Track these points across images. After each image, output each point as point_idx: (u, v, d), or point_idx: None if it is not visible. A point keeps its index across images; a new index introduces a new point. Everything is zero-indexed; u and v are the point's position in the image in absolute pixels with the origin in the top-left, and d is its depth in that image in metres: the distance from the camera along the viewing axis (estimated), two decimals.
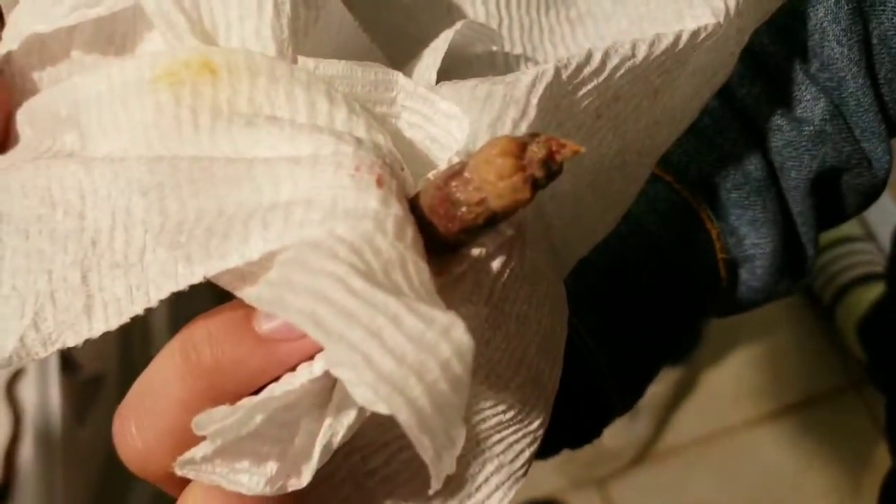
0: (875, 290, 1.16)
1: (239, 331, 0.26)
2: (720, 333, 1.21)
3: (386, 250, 0.23)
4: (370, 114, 0.30)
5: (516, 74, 0.31)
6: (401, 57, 0.40)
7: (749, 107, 0.43)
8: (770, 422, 1.19)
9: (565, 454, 0.46)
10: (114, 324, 0.26)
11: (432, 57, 0.36)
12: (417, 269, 0.24)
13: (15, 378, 0.80)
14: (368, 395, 0.21)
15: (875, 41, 0.42)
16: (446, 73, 0.41)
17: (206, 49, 0.29)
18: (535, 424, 0.32)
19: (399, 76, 0.31)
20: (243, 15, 0.30)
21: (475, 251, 0.27)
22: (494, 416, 0.31)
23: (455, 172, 0.25)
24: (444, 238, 0.26)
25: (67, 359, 0.83)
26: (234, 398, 0.26)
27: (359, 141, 0.27)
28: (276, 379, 0.26)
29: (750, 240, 0.44)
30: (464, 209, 0.25)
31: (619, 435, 1.13)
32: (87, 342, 0.27)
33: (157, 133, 0.28)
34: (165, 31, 0.30)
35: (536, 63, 0.41)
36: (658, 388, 1.17)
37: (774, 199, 0.44)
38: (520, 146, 0.24)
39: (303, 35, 0.31)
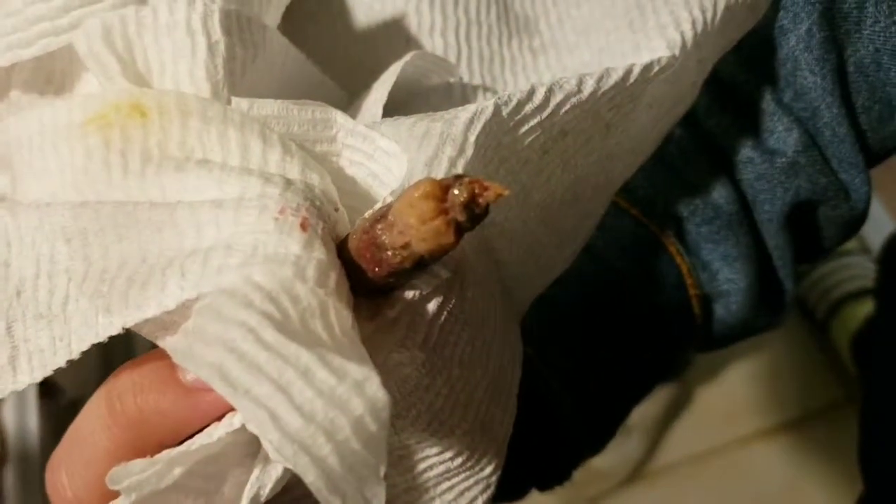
0: (870, 305, 1.15)
1: (163, 381, 0.25)
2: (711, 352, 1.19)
3: (305, 297, 0.23)
4: (309, 153, 0.30)
5: (455, 111, 0.30)
6: (361, 90, 0.40)
7: (717, 137, 0.42)
8: (764, 439, 1.18)
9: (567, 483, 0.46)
10: (38, 376, 0.26)
11: (380, 91, 0.35)
12: (339, 316, 0.23)
13: None
14: (274, 453, 0.20)
15: (851, 69, 0.41)
16: (405, 105, 0.40)
17: (137, 91, 0.29)
18: (488, 470, 0.32)
19: (338, 114, 0.30)
20: (176, 56, 0.29)
21: (408, 294, 0.26)
22: (441, 463, 0.30)
23: (381, 215, 0.25)
24: (373, 282, 0.25)
25: (48, 383, 0.83)
26: (159, 448, 0.25)
27: (288, 182, 0.26)
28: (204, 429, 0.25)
29: (724, 275, 0.43)
30: (389, 253, 0.24)
31: (610, 454, 1.12)
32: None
33: (87, 178, 0.28)
34: (97, 73, 0.30)
35: (496, 94, 0.40)
36: (650, 407, 1.16)
37: (747, 233, 0.43)
38: (442, 189, 0.23)
39: (240, 75, 0.31)
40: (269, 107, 0.29)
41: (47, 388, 0.83)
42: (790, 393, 1.21)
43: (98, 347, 0.25)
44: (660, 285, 0.42)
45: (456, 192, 0.23)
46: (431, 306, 0.27)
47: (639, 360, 0.42)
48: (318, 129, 0.30)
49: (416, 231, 0.23)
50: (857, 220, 0.45)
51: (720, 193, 0.42)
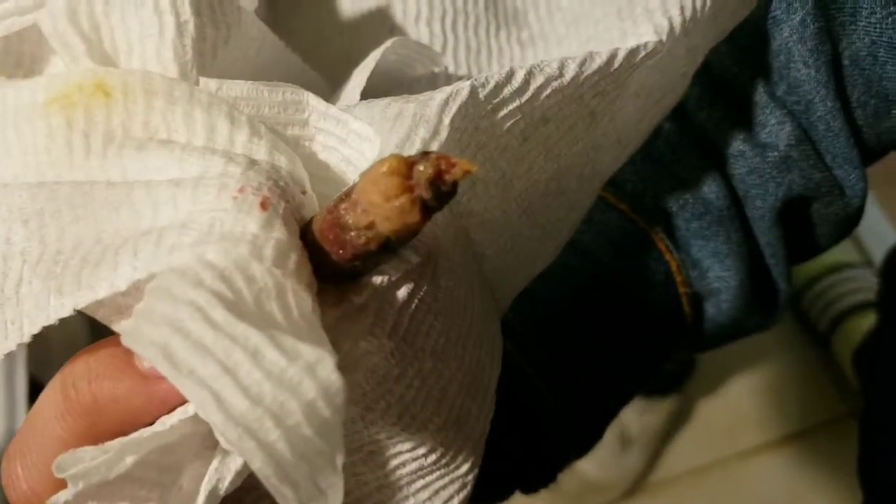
0: (872, 318, 1.13)
1: (119, 367, 0.24)
2: (713, 362, 1.18)
3: (261, 277, 0.22)
4: (280, 136, 0.29)
5: (431, 93, 0.29)
6: (345, 80, 0.39)
7: (708, 131, 0.41)
8: (767, 453, 1.16)
9: (553, 486, 0.44)
10: None
11: (359, 77, 0.34)
12: (298, 299, 0.22)
13: None
14: (220, 438, 0.19)
15: (846, 62, 0.40)
16: (387, 95, 0.39)
17: (102, 71, 0.28)
18: (464, 468, 0.30)
19: (310, 97, 0.29)
20: (143, 36, 0.28)
21: (376, 279, 0.25)
22: (414, 460, 0.29)
23: (345, 195, 0.24)
24: (339, 265, 0.24)
25: (39, 385, 0.82)
26: (115, 438, 0.24)
27: (251, 162, 0.25)
28: None
29: (714, 272, 0.42)
30: (353, 234, 0.23)
31: (610, 467, 1.11)
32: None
33: (49, 158, 0.27)
34: (63, 53, 0.29)
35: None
36: (650, 419, 1.14)
37: (739, 229, 0.41)
38: (408, 165, 0.22)
39: (210, 56, 0.30)
40: (238, 88, 0.28)
41: (38, 390, 0.82)
42: (792, 406, 1.19)
43: None
44: (648, 282, 0.41)
45: (421, 168, 0.22)
46: (401, 293, 0.26)
47: (625, 359, 0.41)
48: (289, 111, 0.29)
49: (379, 209, 0.22)
50: (852, 218, 0.43)
51: (710, 188, 0.40)
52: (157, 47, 0.28)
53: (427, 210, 0.22)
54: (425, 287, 0.27)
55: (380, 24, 0.42)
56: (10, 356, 0.25)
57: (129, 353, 0.24)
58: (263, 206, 0.23)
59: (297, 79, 0.37)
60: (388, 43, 0.36)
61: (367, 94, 0.36)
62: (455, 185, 0.22)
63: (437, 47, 0.41)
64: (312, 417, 0.20)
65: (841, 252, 1.23)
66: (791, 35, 0.40)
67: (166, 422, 0.23)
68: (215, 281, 0.21)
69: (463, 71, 0.41)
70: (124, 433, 0.24)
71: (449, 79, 0.41)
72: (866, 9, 0.39)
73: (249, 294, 0.21)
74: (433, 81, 0.40)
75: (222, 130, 0.26)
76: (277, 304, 0.22)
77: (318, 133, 0.29)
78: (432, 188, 0.22)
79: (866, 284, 1.19)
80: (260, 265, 0.22)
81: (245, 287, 0.21)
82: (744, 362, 1.19)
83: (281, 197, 0.24)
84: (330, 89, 0.40)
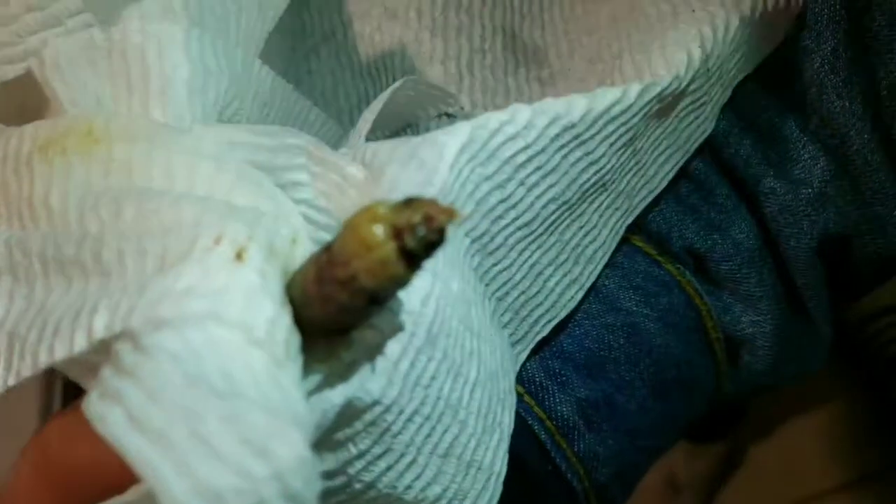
0: None
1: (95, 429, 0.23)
2: (765, 405, 1.14)
3: (229, 341, 0.20)
4: (277, 181, 0.27)
5: (431, 134, 0.28)
6: None
7: (737, 168, 0.39)
8: (825, 500, 1.12)
9: None
10: None
11: (366, 120, 0.33)
12: (275, 363, 0.21)
13: None
14: None
15: (884, 92, 0.38)
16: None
17: (89, 116, 0.27)
18: None
19: (308, 140, 0.28)
20: (133, 82, 0.28)
21: (367, 334, 0.24)
22: None
23: (327, 246, 0.22)
24: (326, 321, 0.23)
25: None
26: None
27: (232, 209, 0.24)
28: None
29: (747, 317, 0.39)
30: (336, 288, 0.21)
31: None
32: None
33: (30, 210, 0.26)
34: (55, 99, 0.28)
35: None
36: (700, 465, 1.11)
37: (772, 270, 0.39)
38: (392, 212, 0.21)
39: (211, 103, 0.29)
40: (231, 131, 0.27)
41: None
42: (849, 452, 1.14)
43: None
44: (677, 329, 0.38)
45: (406, 215, 0.21)
46: (394, 347, 0.24)
47: (655, 415, 0.39)
48: (285, 156, 0.28)
49: (361, 261, 0.21)
50: (894, 258, 0.41)
51: (740, 228, 0.38)
52: (148, 93, 0.28)
53: (413, 260, 0.21)
54: (423, 337, 0.25)
55: (399, 66, 0.41)
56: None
57: None
58: (240, 257, 0.22)
59: (310, 126, 0.36)
60: (398, 83, 0.35)
61: (379, 138, 0.35)
62: (443, 232, 0.21)
63: (453, 87, 0.39)
64: (282, 491, 0.18)
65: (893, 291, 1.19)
66: (822, 65, 0.38)
67: (140, 487, 0.21)
68: (179, 346, 0.20)
69: (480, 111, 0.40)
70: (102, 500, 0.23)
71: (466, 119, 0.40)
72: None
73: (215, 359, 0.20)
74: (451, 122, 0.39)
75: (204, 175, 0.25)
76: (247, 373, 0.20)
77: (316, 179, 0.28)
78: (419, 237, 0.20)
79: None
80: (229, 327, 0.20)
81: (210, 353, 0.20)
82: (797, 405, 1.15)
83: (265, 248, 0.23)
84: (346, 135, 0.39)
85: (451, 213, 0.20)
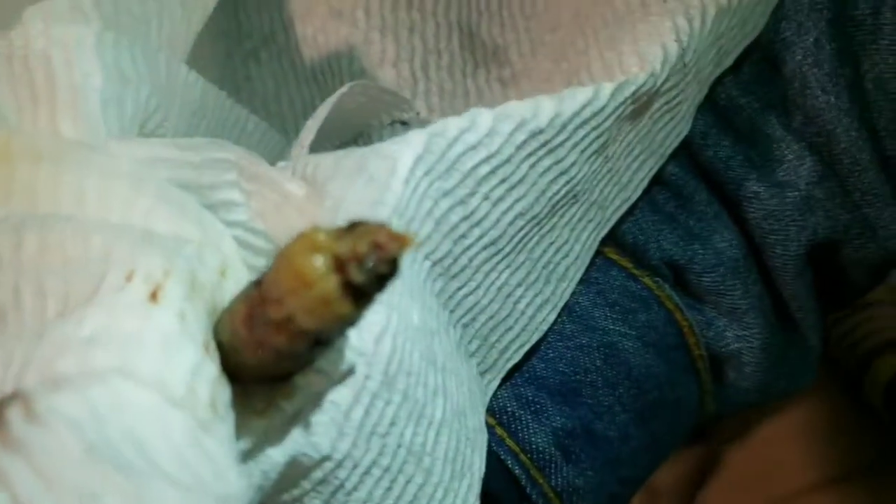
0: None
1: None
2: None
3: (139, 400, 0.17)
4: (205, 201, 0.24)
5: (383, 144, 0.24)
6: None
7: (717, 171, 0.36)
8: (803, 499, 1.10)
9: None
10: None
11: (308, 129, 0.30)
12: (197, 422, 0.17)
13: None
14: None
15: (870, 86, 0.35)
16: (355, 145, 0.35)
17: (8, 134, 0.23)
18: None
19: (239, 153, 0.24)
20: (37, 92, 0.24)
21: (312, 380, 0.20)
22: None
23: (258, 280, 0.19)
24: (261, 370, 0.19)
25: None
26: None
27: (148, 238, 0.20)
28: None
29: (732, 332, 0.36)
30: (268, 331, 0.18)
31: None
32: None
33: None
34: None
35: None
36: (679, 469, 1.08)
37: (757, 281, 0.36)
38: (333, 239, 0.17)
39: (130, 114, 0.26)
40: (151, 147, 0.24)
41: None
42: (825, 451, 1.12)
43: None
44: (658, 347, 0.35)
45: (350, 243, 0.17)
46: (345, 394, 0.21)
47: (637, 439, 0.36)
48: (213, 172, 0.24)
49: (298, 299, 0.17)
50: (888, 262, 0.38)
51: (722, 236, 0.35)
52: (54, 104, 0.24)
53: (361, 296, 0.17)
54: (378, 379, 0.22)
55: (346, 70, 0.37)
56: None
57: None
58: (154, 296, 0.18)
59: (248, 136, 0.33)
60: (346, 87, 0.31)
61: (327, 150, 0.32)
62: (396, 263, 0.17)
63: (407, 91, 0.36)
64: None
65: None
66: (805, 58, 0.35)
67: None
68: (79, 411, 0.16)
69: (437, 116, 0.36)
70: None
71: (423, 124, 0.36)
72: (889, 25, 0.34)
73: (123, 425, 0.16)
74: (406, 128, 0.36)
75: (120, 199, 0.22)
76: (163, 440, 0.16)
77: (251, 197, 0.24)
78: (366, 269, 0.17)
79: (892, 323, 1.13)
80: (141, 385, 0.17)
81: (117, 417, 0.16)
82: (772, 406, 1.13)
83: (183, 282, 0.19)
84: (290, 146, 0.35)
85: (403, 241, 0.17)
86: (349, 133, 0.35)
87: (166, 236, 0.21)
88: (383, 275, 0.17)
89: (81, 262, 0.19)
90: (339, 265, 0.17)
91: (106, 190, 0.22)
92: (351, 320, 0.18)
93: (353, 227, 0.18)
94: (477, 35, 0.38)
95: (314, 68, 0.37)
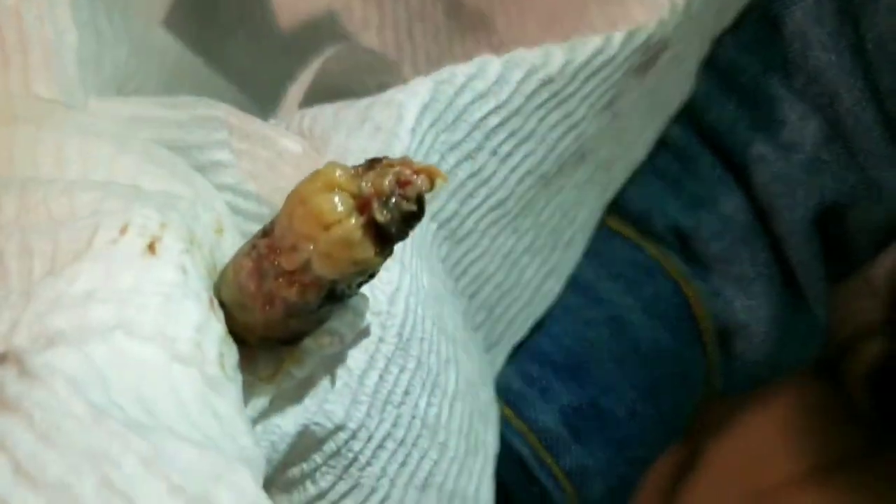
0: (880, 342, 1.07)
1: None
2: (723, 400, 1.11)
3: (142, 353, 0.15)
4: (194, 163, 0.22)
5: (388, 93, 0.23)
6: None
7: (721, 134, 0.34)
8: (784, 491, 1.09)
9: None
10: None
11: (294, 93, 0.28)
12: (203, 380, 0.16)
13: None
14: None
15: (870, 46, 0.34)
16: None
17: None
18: None
19: (229, 111, 0.23)
20: (11, 51, 0.22)
21: (324, 342, 0.18)
22: None
23: (266, 229, 0.17)
24: (269, 327, 0.17)
25: None
26: None
27: (137, 193, 0.18)
28: None
29: (740, 302, 0.35)
30: (280, 283, 0.16)
31: None
32: None
33: None
34: None
35: None
36: (659, 464, 1.07)
37: (765, 247, 0.35)
38: (353, 177, 0.16)
39: (109, 73, 0.24)
40: (133, 106, 0.22)
41: None
42: (806, 442, 1.12)
43: None
44: (665, 319, 0.34)
45: (372, 180, 0.16)
46: (360, 358, 0.19)
47: (646, 417, 0.34)
48: (202, 131, 0.22)
49: (315, 244, 0.16)
50: (893, 226, 0.37)
51: (729, 201, 0.34)
52: (30, 63, 0.22)
53: (384, 240, 0.16)
54: (393, 343, 0.20)
55: (327, 39, 0.36)
56: None
57: None
58: (152, 248, 0.16)
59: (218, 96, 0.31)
60: (330, 51, 0.30)
61: None
62: (421, 200, 0.16)
63: (391, 55, 0.35)
64: None
65: None
66: (805, 17, 0.34)
67: None
68: (78, 367, 0.14)
69: None
70: None
71: None
72: None
73: (128, 383, 0.14)
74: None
75: (103, 159, 0.20)
76: (171, 398, 0.15)
77: (241, 158, 0.23)
78: (390, 207, 0.15)
79: (869, 305, 1.13)
80: (143, 340, 0.15)
81: (120, 374, 0.15)
82: (751, 397, 1.12)
83: (181, 236, 0.17)
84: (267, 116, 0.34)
85: (431, 174, 0.15)
86: (334, 99, 0.33)
87: (157, 193, 0.19)
88: (409, 215, 0.16)
89: (68, 218, 0.17)
90: (361, 205, 0.15)
91: (88, 150, 0.20)
92: (372, 269, 0.16)
93: (373, 163, 0.16)
94: (463, 2, 0.36)
95: (294, 38, 0.36)
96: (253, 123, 0.23)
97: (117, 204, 0.18)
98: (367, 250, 0.16)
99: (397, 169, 0.15)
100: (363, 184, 0.15)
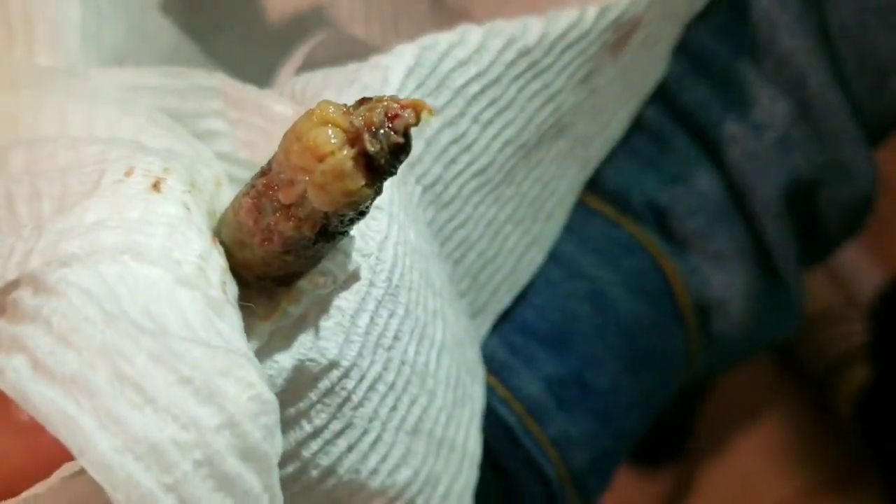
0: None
1: None
2: (712, 424, 1.12)
3: (150, 274, 0.16)
4: (191, 130, 0.23)
5: (373, 59, 0.24)
6: None
7: (695, 114, 0.35)
8: None
9: None
10: None
11: (285, 70, 0.29)
12: (206, 300, 0.17)
13: None
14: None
15: (834, 32, 0.35)
16: None
17: None
18: (460, 483, 0.25)
19: (224, 81, 0.24)
20: (18, 24, 0.24)
21: (318, 281, 0.20)
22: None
23: (263, 169, 0.18)
24: (266, 263, 0.19)
25: None
26: None
27: (140, 145, 0.19)
28: None
29: (717, 278, 0.36)
30: (278, 217, 0.17)
31: None
32: None
33: None
34: None
35: None
36: (653, 488, 1.08)
37: (741, 226, 0.36)
38: (344, 112, 0.17)
39: (109, 46, 0.25)
40: (133, 74, 0.23)
41: None
42: (795, 464, 1.13)
43: None
44: (645, 294, 0.35)
45: (363, 114, 0.17)
46: (351, 298, 0.20)
47: (628, 389, 0.35)
48: (199, 99, 0.24)
49: (311, 175, 0.17)
50: (863, 205, 0.38)
51: (704, 180, 0.35)
52: (37, 34, 0.23)
53: (374, 171, 0.17)
54: (383, 287, 0.21)
55: (312, 32, 0.37)
56: None
57: (3, 402, 0.18)
58: (157, 187, 0.18)
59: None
60: (318, 38, 0.31)
61: None
62: (408, 133, 0.17)
63: (376, 45, 0.36)
64: (237, 443, 0.14)
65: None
66: (771, 4, 0.35)
67: (48, 481, 0.17)
68: (92, 281, 0.15)
69: None
70: (4, 497, 0.18)
71: None
72: None
73: (136, 298, 0.16)
74: None
75: (106, 120, 0.21)
76: (176, 313, 0.16)
77: (236, 127, 0.24)
78: (380, 139, 0.17)
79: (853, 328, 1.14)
80: (150, 262, 0.16)
81: (129, 290, 0.16)
82: (742, 420, 1.13)
83: (183, 180, 0.18)
84: None
85: (418, 108, 0.17)
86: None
87: (159, 149, 0.20)
88: (397, 146, 0.17)
89: (75, 166, 0.19)
90: (352, 138, 0.17)
91: (91, 112, 0.21)
92: (364, 200, 0.17)
93: (363, 101, 0.17)
94: None
95: (282, 31, 0.37)
96: (247, 91, 0.24)
97: (122, 152, 0.19)
98: (358, 181, 0.17)
99: (386, 103, 0.17)
100: (354, 119, 0.17)
